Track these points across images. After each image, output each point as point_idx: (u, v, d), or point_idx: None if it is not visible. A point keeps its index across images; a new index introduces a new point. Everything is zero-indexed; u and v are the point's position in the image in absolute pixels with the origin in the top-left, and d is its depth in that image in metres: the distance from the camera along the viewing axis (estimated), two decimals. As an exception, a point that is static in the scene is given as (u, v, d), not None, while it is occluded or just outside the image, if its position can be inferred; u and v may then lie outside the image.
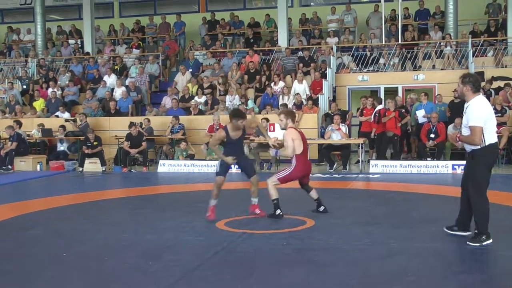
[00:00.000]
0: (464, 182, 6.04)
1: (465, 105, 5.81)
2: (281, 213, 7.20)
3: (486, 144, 5.71)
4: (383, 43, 17.11)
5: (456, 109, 13.65)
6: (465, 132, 5.81)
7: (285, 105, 14.61)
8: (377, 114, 13.12)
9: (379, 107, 13.33)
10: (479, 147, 5.72)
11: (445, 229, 6.24)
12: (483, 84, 14.31)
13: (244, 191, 9.18)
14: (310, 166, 7.58)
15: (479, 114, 5.66)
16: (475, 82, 5.73)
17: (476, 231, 5.80)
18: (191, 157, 13.84)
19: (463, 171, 6.26)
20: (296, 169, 7.29)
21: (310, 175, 7.74)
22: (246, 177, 7.48)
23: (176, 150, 14.01)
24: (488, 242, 5.71)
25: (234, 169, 10.33)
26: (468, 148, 5.86)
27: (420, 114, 13.63)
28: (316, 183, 10.73)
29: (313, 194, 7.57)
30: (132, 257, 5.58)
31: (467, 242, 5.76)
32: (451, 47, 16.56)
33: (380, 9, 17.82)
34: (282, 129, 7.41)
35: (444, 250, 5.61)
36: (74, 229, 6.98)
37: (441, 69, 16.20)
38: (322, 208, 7.54)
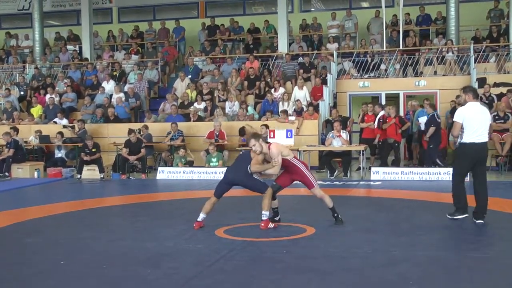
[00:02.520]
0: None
1: None
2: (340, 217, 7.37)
3: (462, 141, 7.18)
4: (384, 49, 17.16)
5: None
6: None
7: (285, 111, 14.65)
8: (381, 120, 13.18)
9: (382, 112, 13.37)
10: (458, 141, 7.23)
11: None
12: (482, 91, 14.35)
13: (243, 198, 9.21)
14: None
15: (459, 112, 7.18)
16: (474, 91, 7.33)
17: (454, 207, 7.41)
18: (190, 163, 13.86)
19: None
20: (305, 166, 7.41)
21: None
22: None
23: (175, 157, 14.04)
24: (459, 216, 7.30)
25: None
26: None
27: (423, 120, 13.65)
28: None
29: (275, 202, 7.50)
30: (131, 265, 5.59)
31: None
32: (452, 53, 16.61)
33: (381, 14, 17.88)
34: (260, 152, 7.14)
35: (446, 258, 5.62)
36: (72, 237, 7.00)
37: (443, 75, 16.23)
38: (278, 218, 7.52)
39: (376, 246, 6.13)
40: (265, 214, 7.09)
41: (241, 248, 6.16)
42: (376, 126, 13.34)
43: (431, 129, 12.49)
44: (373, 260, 5.58)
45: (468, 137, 7.11)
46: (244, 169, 7.19)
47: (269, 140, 12.32)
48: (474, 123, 7.09)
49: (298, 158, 7.67)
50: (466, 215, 7.29)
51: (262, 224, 7.07)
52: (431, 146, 12.64)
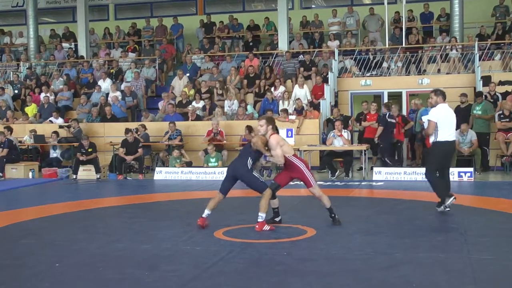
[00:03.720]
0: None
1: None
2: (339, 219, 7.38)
3: (436, 140, 8.08)
4: (387, 46, 17.17)
5: (463, 114, 13.69)
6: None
7: (285, 110, 14.66)
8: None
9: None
10: (432, 139, 8.16)
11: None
12: (487, 89, 14.35)
13: (243, 199, 9.22)
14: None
15: (435, 113, 8.12)
16: (443, 93, 8.32)
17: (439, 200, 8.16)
18: (188, 164, 13.86)
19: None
20: (304, 164, 7.39)
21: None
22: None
23: (170, 159, 14.01)
24: (449, 201, 7.99)
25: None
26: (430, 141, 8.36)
27: (426, 119, 13.61)
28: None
29: (275, 202, 7.51)
30: (127, 267, 5.60)
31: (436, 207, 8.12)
32: (456, 50, 16.61)
33: (376, 11, 17.90)
34: (262, 134, 7.25)
35: (449, 260, 5.63)
36: (68, 239, 7.00)
37: (447, 73, 16.24)
38: (278, 218, 7.54)
39: (378, 248, 6.15)
40: (261, 216, 7.08)
41: (240, 250, 6.17)
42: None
43: (379, 129, 12.98)
44: (375, 262, 5.59)
45: (442, 136, 8.03)
46: (244, 164, 7.19)
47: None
48: (447, 123, 8.07)
49: (298, 156, 7.66)
50: (453, 197, 8.05)
51: (257, 226, 7.07)
52: (381, 145, 12.98)
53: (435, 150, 8.25)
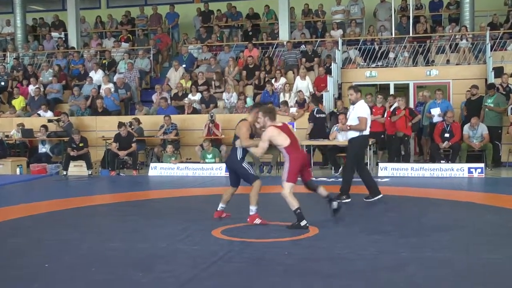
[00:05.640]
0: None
1: (354, 105, 8.95)
2: (307, 224, 7.06)
3: (363, 134, 8.85)
4: (393, 36, 17.14)
5: (474, 107, 13.71)
6: (353, 122, 8.86)
7: (286, 102, 14.65)
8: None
9: (396, 104, 13.42)
10: (356, 135, 8.81)
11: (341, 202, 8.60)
12: (499, 81, 14.34)
13: (242, 197, 9.24)
14: (304, 155, 7.70)
15: (364, 109, 8.83)
16: (360, 90, 9.13)
17: (339, 192, 8.91)
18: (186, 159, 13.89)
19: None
20: (292, 158, 7.15)
21: (315, 179, 7.75)
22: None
23: (164, 156, 14.00)
24: (347, 200, 8.83)
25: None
26: (349, 136, 9.03)
27: (436, 112, 13.66)
28: (320, 188, 10.81)
29: (322, 191, 7.56)
30: (121, 268, 5.62)
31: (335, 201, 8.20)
32: (467, 40, 16.59)
33: (385, -1, 17.89)
34: (261, 127, 7.32)
35: (456, 260, 5.66)
36: (58, 238, 7.03)
37: (456, 64, 16.23)
38: (335, 204, 7.54)
39: (383, 248, 6.17)
40: (252, 209, 7.34)
41: (239, 249, 6.20)
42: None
43: (309, 125, 13.55)
44: (380, 262, 5.62)
45: (366, 130, 8.88)
46: (236, 155, 7.50)
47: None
48: (369, 118, 8.94)
49: (291, 149, 7.22)
50: (350, 199, 8.97)
51: (248, 219, 7.33)
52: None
53: (359, 144, 9.01)
